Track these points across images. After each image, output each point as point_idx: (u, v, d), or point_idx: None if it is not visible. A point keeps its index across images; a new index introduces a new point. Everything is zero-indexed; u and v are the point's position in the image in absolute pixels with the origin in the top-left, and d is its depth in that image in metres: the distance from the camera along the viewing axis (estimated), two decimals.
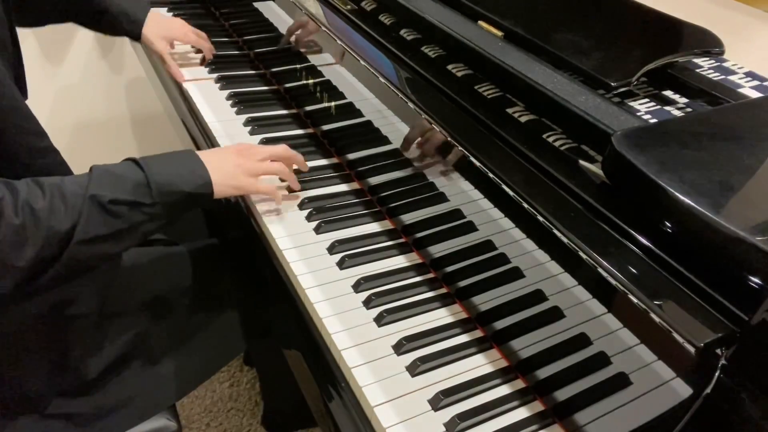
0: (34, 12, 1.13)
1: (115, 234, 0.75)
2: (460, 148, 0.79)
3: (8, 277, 0.69)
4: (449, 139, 0.80)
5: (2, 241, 0.67)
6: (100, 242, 0.73)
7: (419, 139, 0.89)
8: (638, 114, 0.74)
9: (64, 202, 0.71)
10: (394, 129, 0.95)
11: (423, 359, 0.75)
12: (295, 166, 1.00)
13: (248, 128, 1.16)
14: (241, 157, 0.89)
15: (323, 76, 1.14)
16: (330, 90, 1.12)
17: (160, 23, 1.26)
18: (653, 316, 0.56)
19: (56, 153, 0.84)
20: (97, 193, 0.73)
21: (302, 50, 1.19)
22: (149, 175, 0.77)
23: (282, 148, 0.96)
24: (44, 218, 0.69)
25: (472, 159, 0.77)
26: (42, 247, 0.69)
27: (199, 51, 1.38)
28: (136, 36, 1.24)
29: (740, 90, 0.78)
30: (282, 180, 0.99)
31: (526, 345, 0.74)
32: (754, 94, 0.77)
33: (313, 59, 1.18)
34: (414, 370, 0.75)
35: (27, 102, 0.91)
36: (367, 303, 0.83)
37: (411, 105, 0.87)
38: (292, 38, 1.22)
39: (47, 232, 0.69)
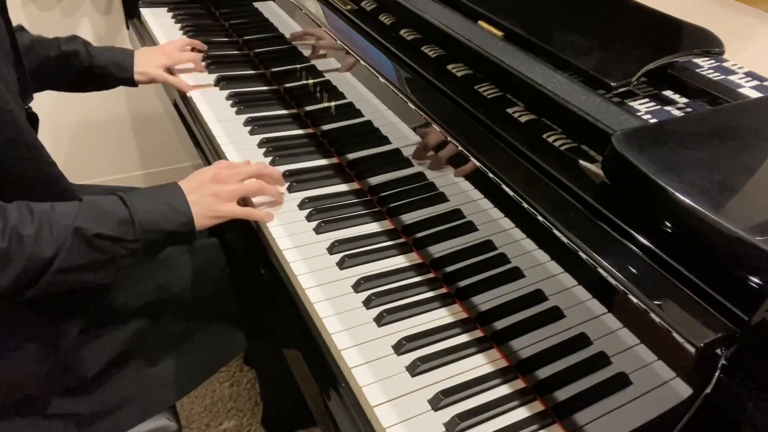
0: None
1: (94, 265, 0.77)
2: (460, 148, 0.79)
3: None
4: (449, 139, 0.80)
5: None
6: (78, 271, 0.76)
7: (427, 145, 0.89)
8: (638, 114, 0.74)
9: (51, 231, 0.73)
10: (394, 129, 0.95)
11: (423, 359, 0.75)
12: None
13: (248, 128, 1.16)
14: (218, 183, 0.89)
15: (323, 76, 1.14)
16: (330, 90, 1.12)
17: (149, 58, 1.25)
18: (653, 316, 0.56)
19: (52, 165, 0.84)
20: (82, 226, 0.75)
21: (307, 53, 1.18)
22: (133, 213, 0.79)
23: (257, 166, 0.96)
24: (29, 245, 0.71)
25: (472, 159, 0.77)
26: (22, 270, 0.71)
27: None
28: (130, 82, 1.23)
29: (740, 90, 0.78)
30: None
31: (526, 345, 0.74)
32: (754, 94, 0.77)
33: (317, 63, 1.18)
34: (414, 370, 0.75)
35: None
36: (367, 303, 0.83)
37: (411, 105, 0.87)
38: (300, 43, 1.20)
39: (30, 257, 0.71)
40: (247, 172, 0.94)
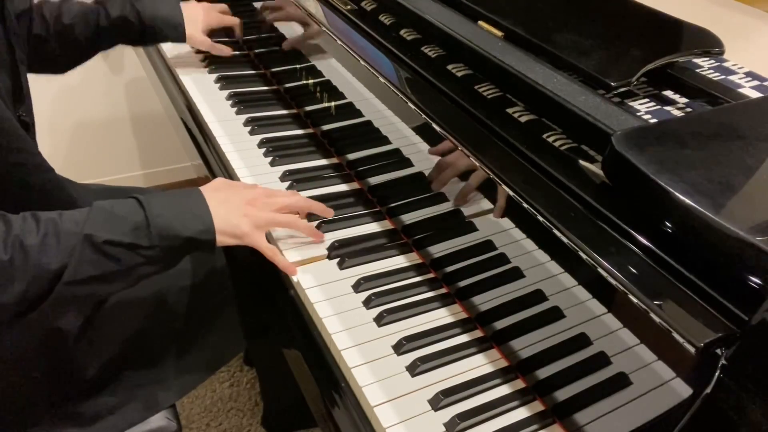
0: (79, 50, 1.15)
1: (108, 275, 0.71)
2: (460, 148, 0.79)
3: None
4: (449, 138, 0.80)
5: None
6: (92, 283, 0.71)
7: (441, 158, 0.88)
8: (638, 114, 0.74)
9: (58, 240, 0.68)
10: (394, 129, 0.95)
11: (423, 359, 0.75)
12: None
13: (248, 128, 1.16)
14: (252, 206, 0.83)
15: (323, 76, 1.14)
16: (330, 90, 1.12)
17: (195, 20, 1.25)
18: (653, 316, 0.56)
19: (51, 171, 0.83)
20: (92, 232, 0.70)
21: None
22: (150, 217, 0.73)
23: (297, 199, 0.90)
24: (34, 255, 0.66)
25: (472, 159, 0.77)
26: (29, 284, 0.66)
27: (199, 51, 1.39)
28: (181, 40, 1.24)
29: (740, 90, 0.78)
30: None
31: (526, 345, 0.74)
32: (754, 94, 0.77)
33: (317, 63, 1.18)
34: (414, 370, 0.75)
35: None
36: (367, 303, 0.83)
37: (411, 105, 0.87)
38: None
39: (36, 269, 0.66)
40: (282, 204, 0.88)
